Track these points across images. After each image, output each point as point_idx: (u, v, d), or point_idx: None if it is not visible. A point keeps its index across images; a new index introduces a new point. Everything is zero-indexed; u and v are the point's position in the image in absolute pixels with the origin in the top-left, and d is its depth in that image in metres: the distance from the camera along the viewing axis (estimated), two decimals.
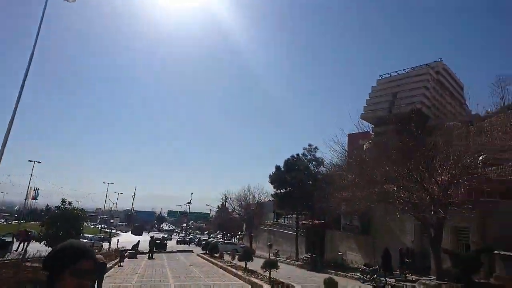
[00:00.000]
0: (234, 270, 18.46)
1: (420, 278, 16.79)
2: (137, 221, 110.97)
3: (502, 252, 14.77)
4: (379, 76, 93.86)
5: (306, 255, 30.18)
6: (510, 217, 15.99)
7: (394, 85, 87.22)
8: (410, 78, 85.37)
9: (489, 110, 36.30)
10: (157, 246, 33.15)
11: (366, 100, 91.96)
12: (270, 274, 14.66)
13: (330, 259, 27.73)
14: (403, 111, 49.98)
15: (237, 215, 59.15)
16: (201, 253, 32.90)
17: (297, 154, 35.86)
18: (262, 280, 14.53)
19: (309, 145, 34.52)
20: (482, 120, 34.30)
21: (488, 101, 68.57)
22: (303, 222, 36.13)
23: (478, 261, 14.92)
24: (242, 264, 19.64)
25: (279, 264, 16.86)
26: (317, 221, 33.11)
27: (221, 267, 21.46)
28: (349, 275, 20.05)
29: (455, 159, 16.24)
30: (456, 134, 23.12)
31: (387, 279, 16.73)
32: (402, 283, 16.28)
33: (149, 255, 28.54)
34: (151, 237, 31.61)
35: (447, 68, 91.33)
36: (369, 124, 79.03)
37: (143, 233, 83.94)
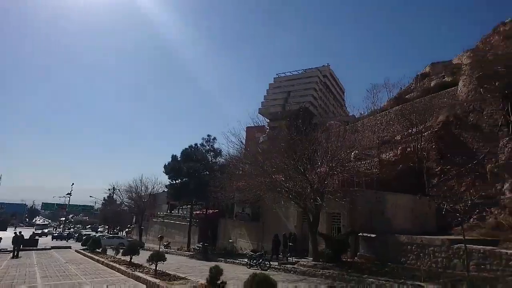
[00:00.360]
0: (116, 265, 17.15)
1: (300, 259, 18.46)
2: (2, 214, 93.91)
3: (365, 234, 17.28)
4: (276, 74, 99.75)
5: (198, 245, 30.17)
6: (372, 204, 18.80)
7: (289, 84, 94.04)
8: (303, 79, 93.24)
9: (362, 112, 42.01)
10: (25, 243, 28.69)
11: (264, 96, 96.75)
12: (156, 266, 14.07)
13: (222, 247, 28.36)
14: (294, 108, 54.25)
15: (126, 208, 55.49)
16: (81, 249, 29.73)
17: (196, 144, 35.38)
18: (147, 274, 13.83)
19: (208, 135, 34.40)
20: (356, 121, 39.74)
21: (362, 105, 79.67)
22: (197, 212, 35.99)
23: (346, 242, 17.19)
24: (127, 258, 18.42)
25: (169, 255, 16.34)
26: (211, 211, 33.38)
27: (102, 263, 19.71)
28: (238, 261, 20.78)
29: (332, 153, 18.29)
30: (335, 132, 26.13)
31: (271, 263, 17.87)
32: (283, 265, 17.60)
33: (13, 254, 24.49)
34: (15, 233, 27.13)
35: (332, 73, 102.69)
36: (265, 118, 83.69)
37: (8, 228, 71.39)
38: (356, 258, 17.27)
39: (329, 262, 16.21)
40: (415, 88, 37.03)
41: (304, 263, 17.08)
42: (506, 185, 17.14)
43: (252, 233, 27.41)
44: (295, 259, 18.79)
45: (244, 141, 28.29)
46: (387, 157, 25.65)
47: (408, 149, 24.76)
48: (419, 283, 11.36)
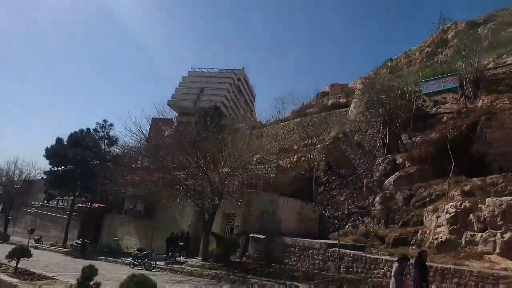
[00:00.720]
0: None
1: (189, 259, 18.09)
2: None
3: (255, 235, 17.84)
4: (191, 68, 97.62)
5: (77, 241, 27.16)
6: (265, 206, 19.60)
7: (203, 80, 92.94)
8: (217, 78, 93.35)
9: (268, 120, 43.91)
10: None
11: (176, 88, 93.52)
12: (18, 264, 12.05)
13: (105, 245, 26.04)
14: (205, 106, 53.81)
15: None
16: None
17: (88, 129, 31.98)
18: (4, 272, 11.76)
19: (104, 120, 31.42)
20: (262, 127, 41.44)
21: (269, 113, 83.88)
22: (80, 205, 32.44)
23: (236, 243, 17.51)
24: None
25: (40, 251, 14.16)
26: (97, 205, 30.45)
27: None
28: (121, 260, 19.34)
29: (236, 155, 18.52)
30: (242, 135, 26.74)
31: (158, 262, 17.07)
32: (170, 265, 17.00)
33: None
34: None
35: (246, 78, 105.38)
36: (173, 111, 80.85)
37: None
38: (244, 258, 17.71)
39: (218, 262, 16.27)
40: (315, 104, 40.47)
41: (192, 263, 16.80)
42: (377, 198, 19.82)
43: (142, 231, 25.94)
44: (185, 259, 18.36)
45: (146, 133, 26.61)
46: (284, 163, 27.30)
47: (303, 158, 26.80)
48: (297, 283, 12.21)
